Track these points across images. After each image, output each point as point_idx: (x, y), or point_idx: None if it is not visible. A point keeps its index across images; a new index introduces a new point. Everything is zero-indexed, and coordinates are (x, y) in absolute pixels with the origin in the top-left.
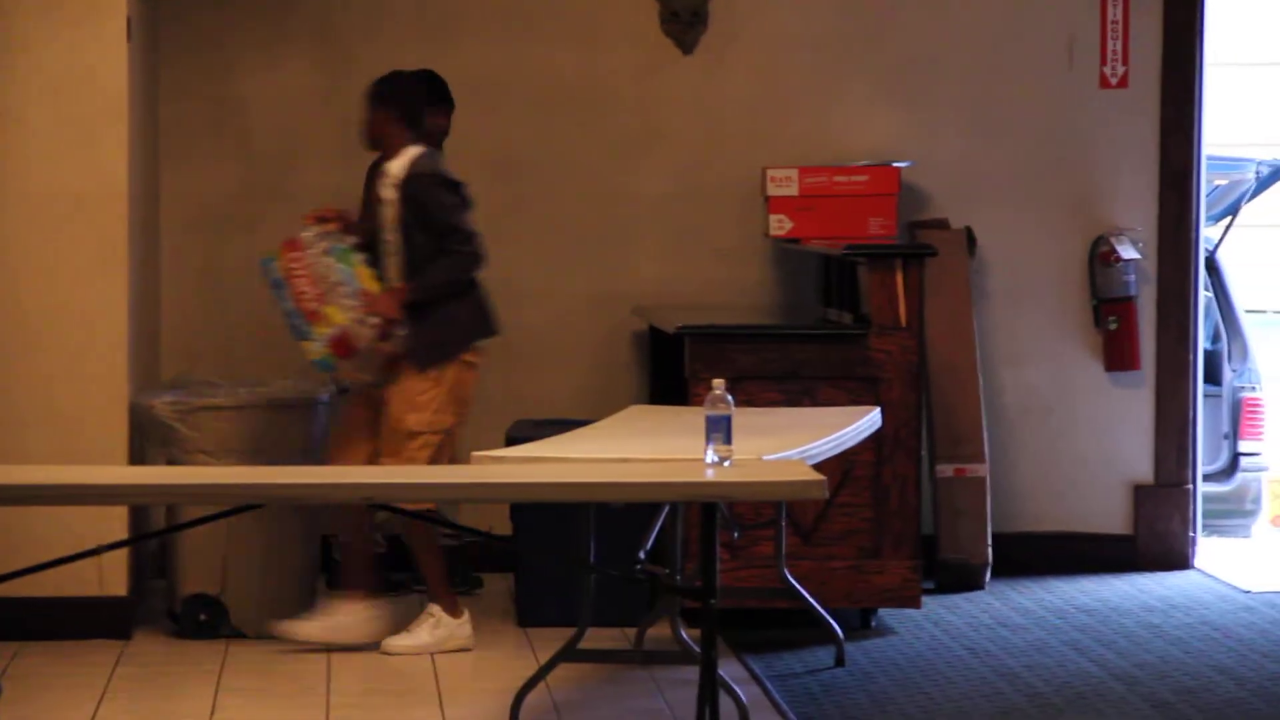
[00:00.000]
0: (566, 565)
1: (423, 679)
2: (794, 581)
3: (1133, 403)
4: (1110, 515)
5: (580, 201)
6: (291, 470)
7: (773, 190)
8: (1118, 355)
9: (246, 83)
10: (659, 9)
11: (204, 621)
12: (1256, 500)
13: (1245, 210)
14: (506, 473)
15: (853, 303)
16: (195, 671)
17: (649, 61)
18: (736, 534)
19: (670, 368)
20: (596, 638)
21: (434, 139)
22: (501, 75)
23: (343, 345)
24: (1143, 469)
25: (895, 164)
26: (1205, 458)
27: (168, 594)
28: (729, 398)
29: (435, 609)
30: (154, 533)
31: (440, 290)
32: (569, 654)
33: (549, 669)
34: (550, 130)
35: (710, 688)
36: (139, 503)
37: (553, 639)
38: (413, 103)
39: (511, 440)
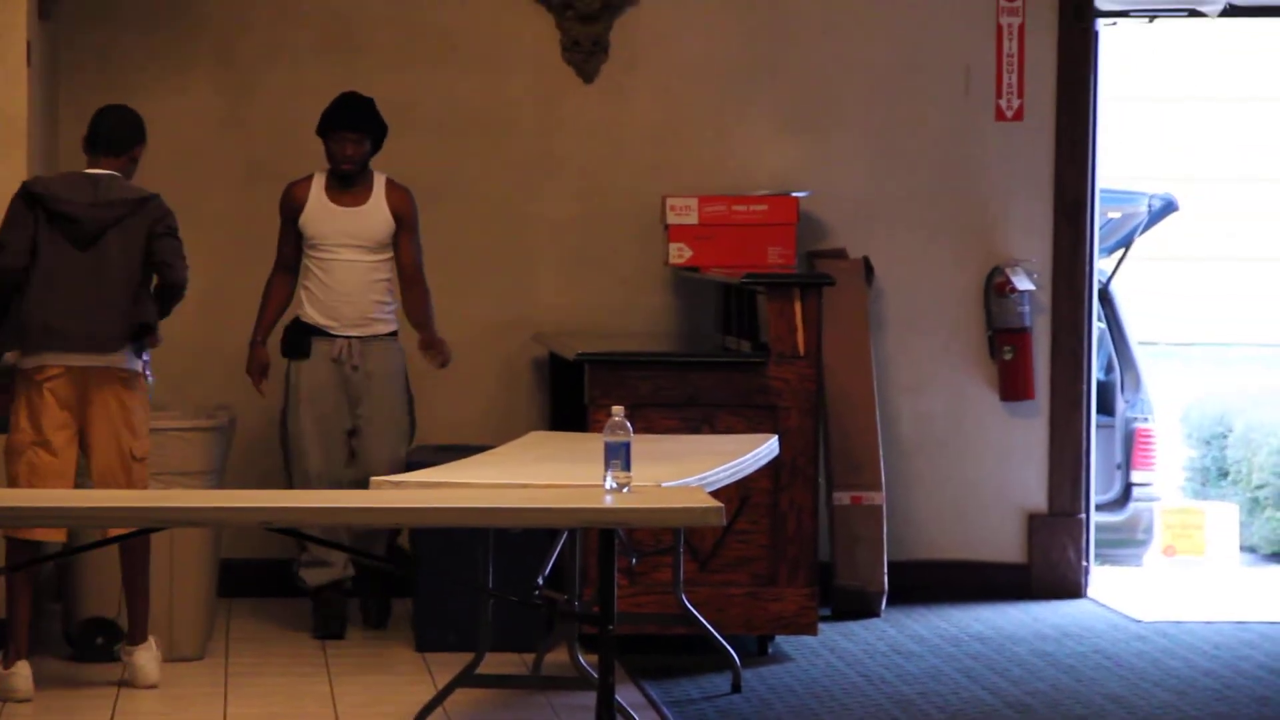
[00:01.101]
0: (465, 591)
1: (320, 704)
2: (691, 608)
3: (1027, 432)
4: (1005, 544)
5: (481, 228)
6: (187, 494)
7: (672, 219)
8: (1012, 385)
9: (147, 106)
10: (560, 37)
11: (100, 645)
12: (1148, 530)
13: (1138, 243)
14: (406, 498)
15: (751, 331)
16: (90, 695)
17: (550, 89)
18: (634, 560)
19: (570, 394)
20: (494, 663)
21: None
22: (404, 101)
23: None
24: (1037, 498)
25: (794, 194)
26: (1098, 487)
27: (64, 617)
28: (628, 424)
29: None
30: (42, 558)
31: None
32: (466, 679)
33: (446, 694)
34: (452, 157)
35: (607, 713)
36: (38, 525)
37: (451, 664)
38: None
39: (411, 465)
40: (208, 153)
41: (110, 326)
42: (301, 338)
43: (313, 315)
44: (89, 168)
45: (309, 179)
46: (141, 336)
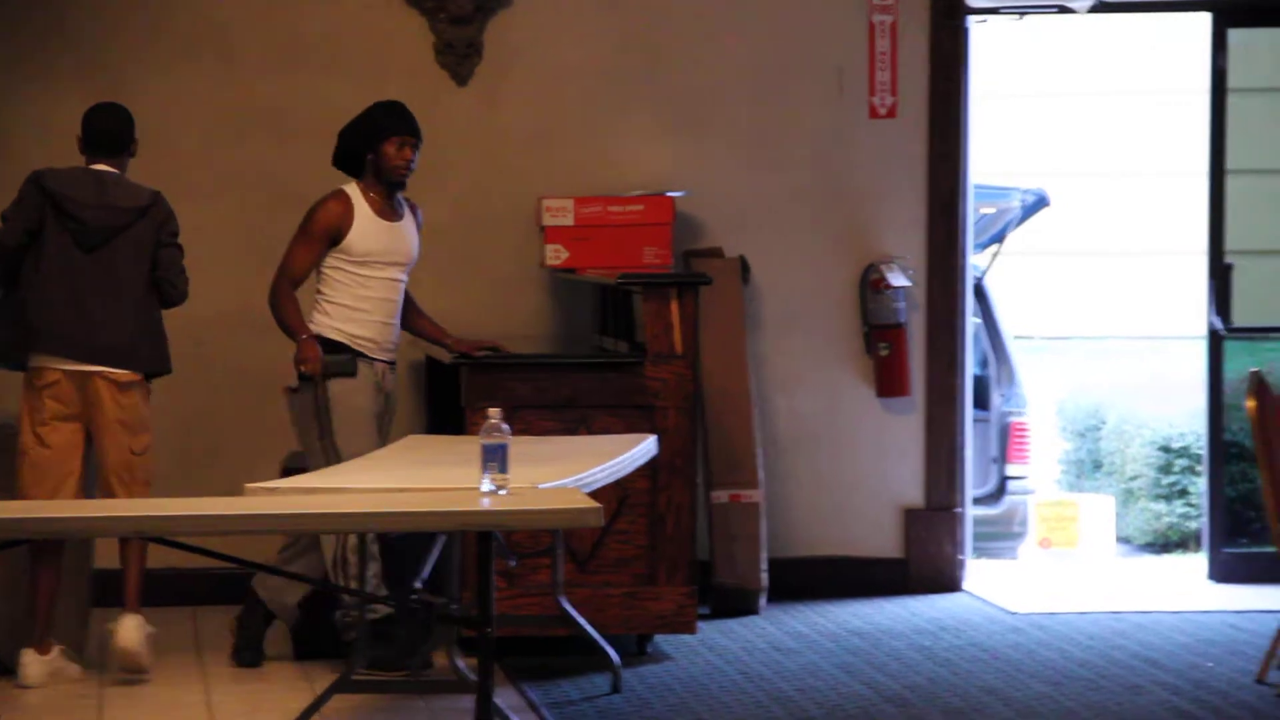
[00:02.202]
0: (343, 596)
1: (197, 713)
2: (570, 609)
3: (903, 428)
4: (882, 539)
5: None
6: (59, 504)
7: (548, 220)
8: (888, 381)
9: (13, 113)
10: (434, 41)
11: None
12: (1024, 523)
13: (1011, 238)
14: (282, 504)
15: (628, 331)
16: None
17: (424, 93)
18: (513, 562)
19: (448, 397)
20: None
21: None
22: (278, 107)
23: None
24: (913, 493)
25: (670, 194)
26: (974, 481)
27: None
28: (505, 426)
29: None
30: None
31: None
32: (344, 685)
33: (324, 700)
34: (326, 160)
35: (486, 716)
36: None
37: (329, 670)
38: None
39: (287, 471)
40: (76, 160)
41: (113, 336)
42: (351, 356)
43: (353, 334)
44: (89, 165)
45: (343, 195)
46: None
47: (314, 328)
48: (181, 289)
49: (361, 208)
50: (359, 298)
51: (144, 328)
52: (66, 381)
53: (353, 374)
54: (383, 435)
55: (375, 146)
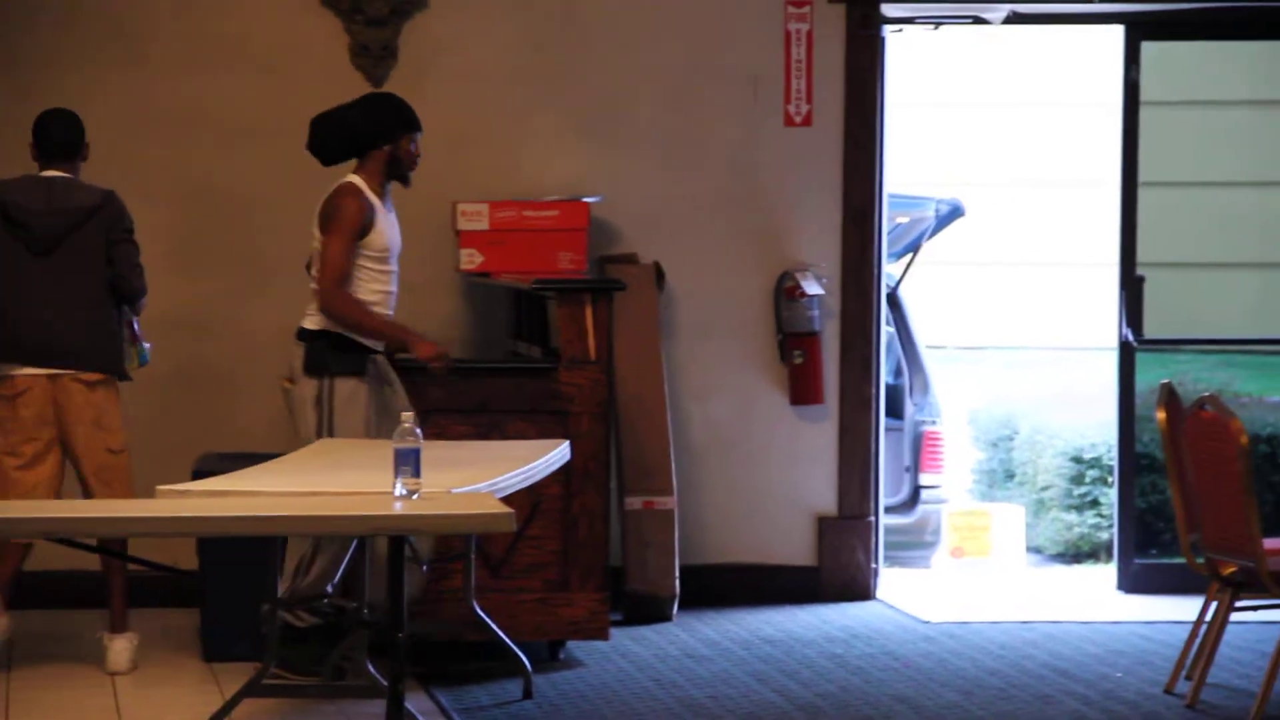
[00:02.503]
0: (253, 599)
1: (105, 717)
2: (483, 614)
3: (817, 436)
4: (795, 547)
5: (271, 234)
6: None
7: (463, 224)
8: (803, 389)
9: None
10: (349, 42)
11: None
12: (936, 532)
13: (926, 247)
14: (193, 506)
15: (543, 337)
16: None
17: (340, 95)
18: (425, 567)
19: None
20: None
21: None
22: (191, 106)
23: None
24: (826, 501)
25: (585, 199)
26: (887, 490)
27: None
28: (418, 431)
29: None
30: None
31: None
32: (254, 689)
33: (234, 704)
34: (239, 162)
35: None
36: None
37: (240, 674)
38: None
39: (199, 474)
40: None
41: (72, 336)
42: (361, 354)
43: None
44: (41, 172)
45: (357, 188)
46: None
47: (318, 324)
48: (136, 284)
49: (373, 200)
50: (375, 292)
51: (100, 328)
52: (38, 387)
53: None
54: (389, 419)
55: (395, 139)
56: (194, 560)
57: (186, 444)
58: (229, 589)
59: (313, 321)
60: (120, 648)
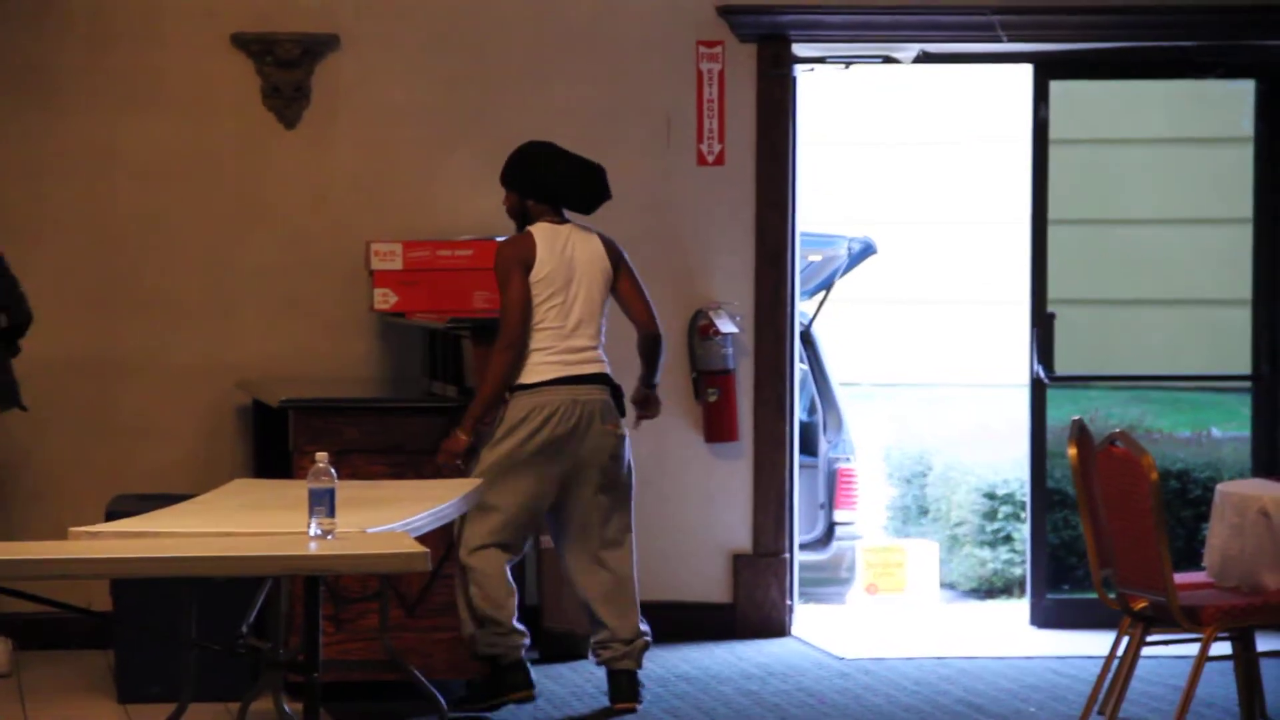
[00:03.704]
0: (168, 640)
1: None
2: (395, 654)
3: (732, 473)
4: (710, 584)
5: (183, 274)
6: None
7: (377, 264)
8: (717, 427)
9: None
10: (260, 83)
11: None
12: (851, 568)
13: (838, 285)
14: (106, 548)
15: (458, 376)
16: None
17: (251, 135)
18: (339, 607)
19: (276, 441)
20: (199, 713)
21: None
22: (102, 146)
23: None
24: (741, 538)
25: (499, 238)
26: (802, 527)
27: None
28: (332, 471)
29: None
30: None
31: None
32: None
33: None
34: (152, 202)
35: None
36: None
37: (154, 715)
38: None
39: (111, 515)
40: None
41: None
42: None
43: None
44: None
45: None
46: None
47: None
48: (22, 305)
49: None
50: None
51: None
52: None
53: None
54: None
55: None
56: (108, 601)
57: (100, 485)
58: (143, 629)
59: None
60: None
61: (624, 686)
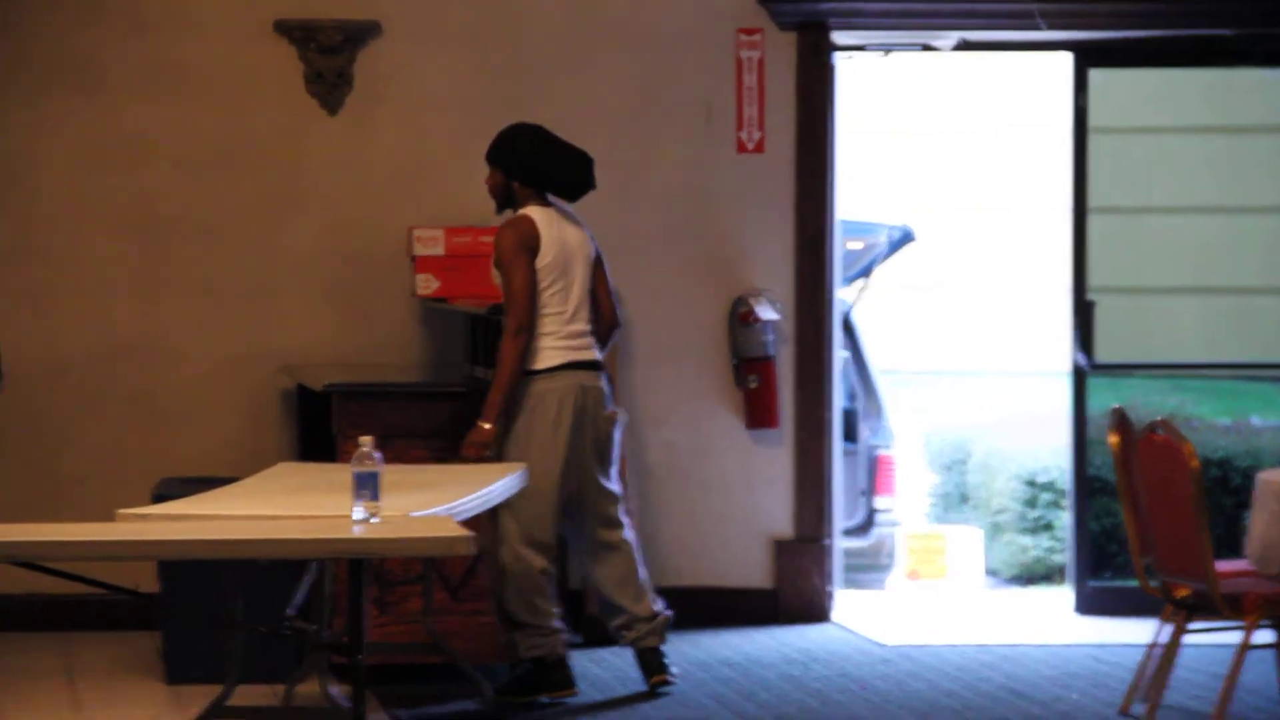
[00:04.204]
0: (215, 623)
1: None
2: (439, 638)
3: (772, 460)
4: (752, 570)
5: (227, 261)
6: None
7: (419, 250)
8: (758, 413)
9: None
10: (304, 70)
11: None
12: (891, 554)
13: (878, 272)
14: (153, 530)
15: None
16: None
17: (294, 122)
18: (384, 590)
19: (319, 426)
20: (245, 694)
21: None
22: (146, 134)
23: None
24: (783, 524)
25: None
26: (843, 513)
27: None
28: (376, 455)
29: None
30: None
31: None
32: (217, 711)
33: None
34: (196, 190)
35: None
36: None
37: (201, 696)
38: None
39: (158, 498)
40: None
41: None
42: None
43: None
44: None
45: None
46: None
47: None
48: None
49: None
50: None
51: None
52: None
53: None
54: None
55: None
56: (155, 583)
57: (147, 469)
58: (190, 611)
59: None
60: None
61: (655, 661)
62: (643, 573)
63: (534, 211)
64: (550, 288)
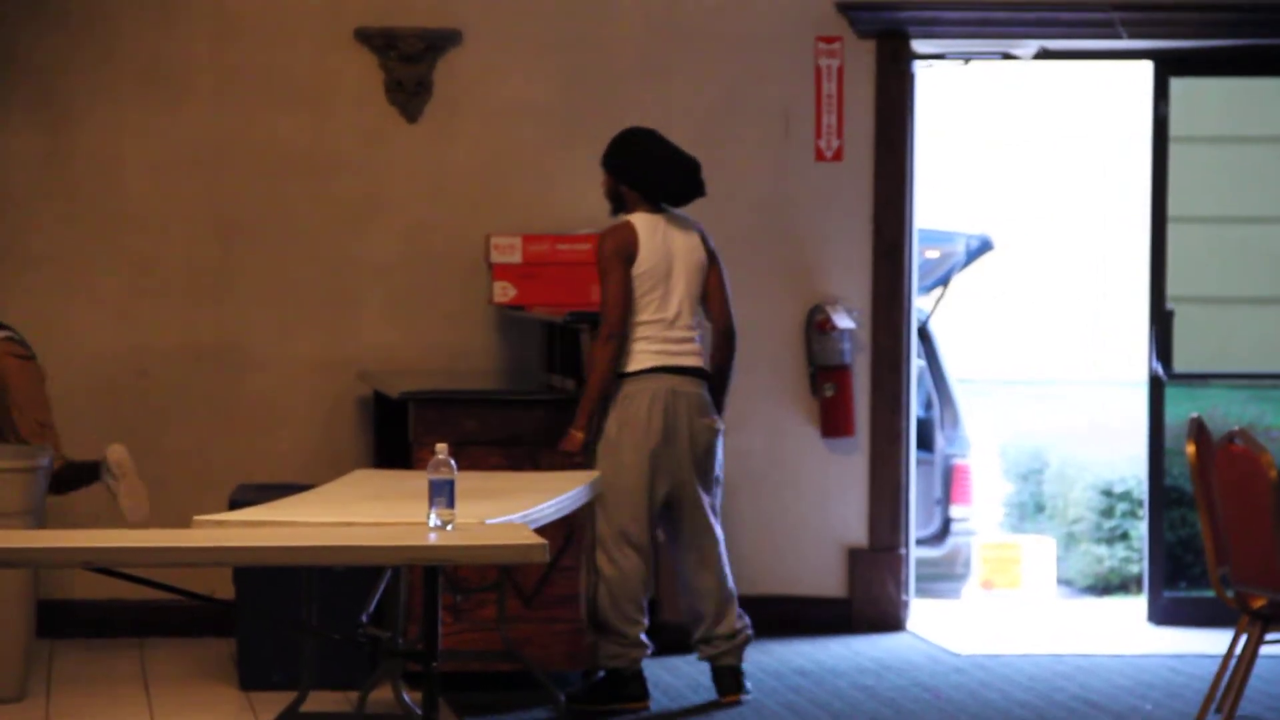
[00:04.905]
0: (289, 629)
1: None
2: (512, 646)
3: (848, 468)
4: (826, 578)
5: (305, 267)
6: (5, 534)
7: (496, 257)
8: (833, 422)
9: None
10: (384, 78)
11: None
12: (967, 564)
13: (956, 281)
14: (229, 536)
15: (575, 369)
16: None
17: (374, 129)
18: (459, 597)
19: (395, 433)
20: (319, 700)
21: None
22: (227, 140)
23: None
24: (857, 533)
25: None
26: (918, 522)
27: None
28: (452, 462)
29: None
30: None
31: None
32: (290, 717)
33: None
34: (276, 196)
35: None
36: None
37: (275, 702)
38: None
39: (234, 504)
40: (26, 190)
41: None
42: None
43: None
44: None
45: None
46: None
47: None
48: None
49: None
50: None
51: None
52: None
53: None
54: None
55: None
56: (230, 589)
57: (224, 475)
58: (265, 617)
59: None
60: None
61: (729, 680)
62: (730, 587)
63: (638, 218)
64: (649, 293)
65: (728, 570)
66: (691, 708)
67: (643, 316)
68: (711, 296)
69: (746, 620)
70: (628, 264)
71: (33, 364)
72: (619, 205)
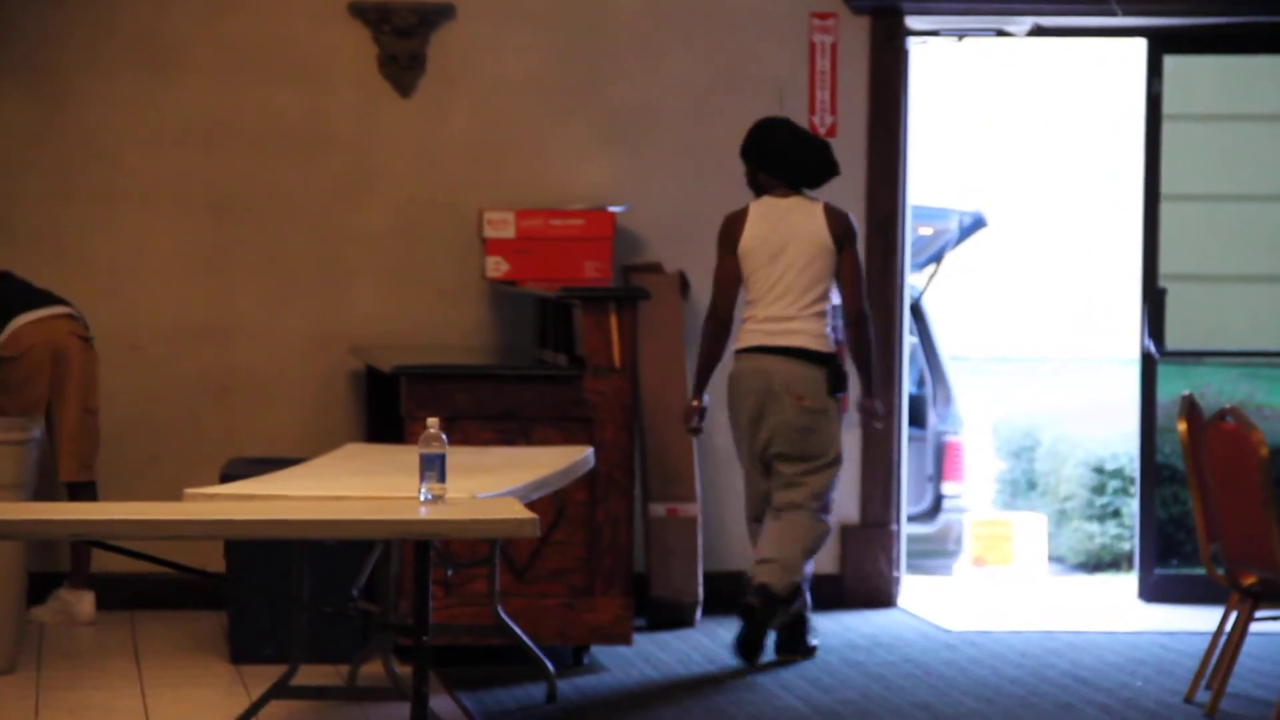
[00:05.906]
0: (280, 602)
1: (133, 717)
2: (507, 619)
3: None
4: (817, 554)
5: (298, 241)
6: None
7: (489, 232)
8: None
9: None
10: (377, 52)
11: None
12: (958, 541)
13: (949, 259)
14: (220, 510)
15: (568, 344)
16: None
17: (367, 103)
18: (450, 571)
19: (387, 407)
20: (309, 674)
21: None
22: (220, 114)
23: None
24: (849, 509)
25: (610, 208)
26: (910, 499)
27: None
28: (443, 436)
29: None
30: None
31: None
32: (281, 691)
33: (260, 705)
34: (269, 170)
35: None
36: None
37: (266, 676)
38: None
39: (226, 478)
40: (20, 162)
41: None
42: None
43: None
44: None
45: None
46: None
47: (829, 347)
48: None
49: None
50: None
51: None
52: None
53: None
54: None
55: None
56: (221, 563)
57: (215, 448)
58: (255, 591)
59: (825, 344)
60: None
61: (749, 636)
62: (794, 542)
63: (758, 203)
64: (754, 275)
65: (801, 537)
66: (684, 681)
67: (748, 297)
68: (841, 280)
69: (805, 599)
70: (731, 248)
71: (92, 348)
72: (759, 191)
